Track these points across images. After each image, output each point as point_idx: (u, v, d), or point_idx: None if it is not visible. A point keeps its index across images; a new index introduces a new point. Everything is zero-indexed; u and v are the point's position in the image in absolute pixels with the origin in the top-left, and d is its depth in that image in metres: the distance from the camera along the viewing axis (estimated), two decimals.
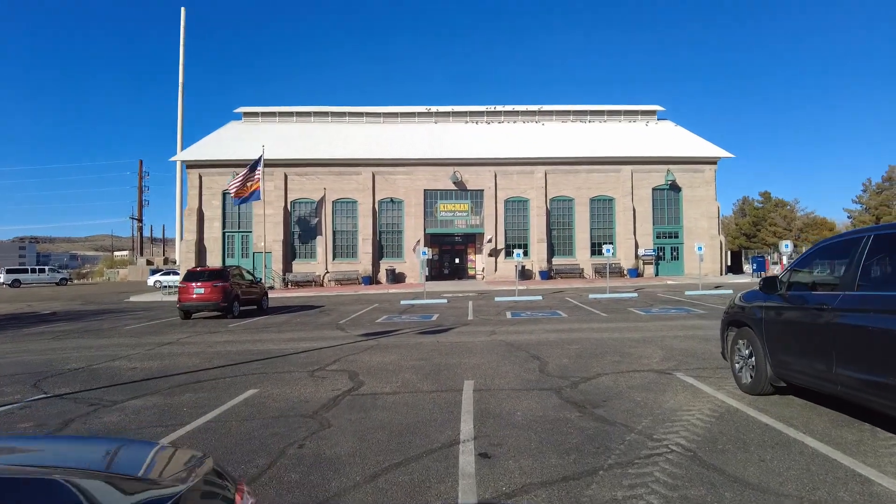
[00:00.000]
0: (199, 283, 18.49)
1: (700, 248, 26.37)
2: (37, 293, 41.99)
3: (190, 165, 37.56)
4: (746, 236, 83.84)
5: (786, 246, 24.36)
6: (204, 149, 39.83)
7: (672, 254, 38.93)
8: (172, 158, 38.50)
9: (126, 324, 17.83)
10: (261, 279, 22.72)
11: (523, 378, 7.98)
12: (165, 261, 71.65)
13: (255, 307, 21.21)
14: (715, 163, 39.00)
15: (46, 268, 62.87)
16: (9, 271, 58.15)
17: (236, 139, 40.57)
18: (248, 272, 21.93)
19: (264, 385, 8.03)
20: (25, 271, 59.16)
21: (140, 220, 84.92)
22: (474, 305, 20.59)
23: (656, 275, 37.91)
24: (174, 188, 51.47)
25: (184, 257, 37.36)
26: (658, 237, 38.65)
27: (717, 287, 27.16)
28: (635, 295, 23.26)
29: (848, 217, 76.69)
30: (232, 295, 18.80)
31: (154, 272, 51.04)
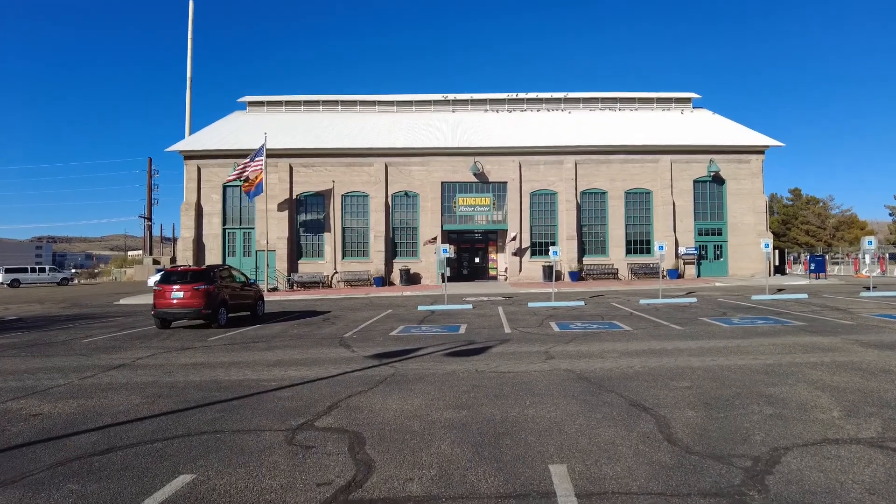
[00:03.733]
0: (177, 286, 15.31)
1: (692, 250, 22.77)
2: (31, 294, 39.34)
3: (188, 156, 34.56)
4: (776, 235, 79.70)
5: (869, 243, 20.79)
6: (204, 139, 36.86)
7: (715, 252, 35.26)
8: (169, 149, 35.51)
9: (89, 335, 14.74)
10: (255, 280, 19.57)
11: (649, 459, 4.65)
12: (172, 260, 69.11)
13: (249, 313, 18.05)
14: (762, 152, 35.28)
15: (47, 267, 60.37)
16: (7, 270, 55.70)
17: (239, 129, 37.59)
18: (240, 272, 18.75)
19: (208, 465, 4.79)
20: (25, 270, 56.62)
21: (149, 219, 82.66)
22: (507, 313, 17.24)
23: (698, 276, 34.30)
24: (183, 185, 49.03)
25: (181, 256, 34.41)
26: (700, 234, 35.02)
27: (779, 290, 23.58)
28: (694, 300, 19.78)
29: (890, 215, 72.26)
30: (217, 300, 15.61)
31: (159, 272, 48.34)
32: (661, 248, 20.96)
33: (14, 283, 53.25)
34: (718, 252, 35.29)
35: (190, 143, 36.44)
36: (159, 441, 5.49)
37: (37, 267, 58.59)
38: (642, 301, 19.85)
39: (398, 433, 5.49)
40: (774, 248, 53.93)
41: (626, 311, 17.17)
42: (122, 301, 28.14)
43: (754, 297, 19.89)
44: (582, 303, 19.58)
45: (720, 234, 35.21)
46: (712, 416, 5.75)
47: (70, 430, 5.94)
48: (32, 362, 10.56)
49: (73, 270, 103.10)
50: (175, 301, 15.26)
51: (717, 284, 28.84)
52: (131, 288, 43.60)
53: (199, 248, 34.07)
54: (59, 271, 59.99)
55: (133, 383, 8.37)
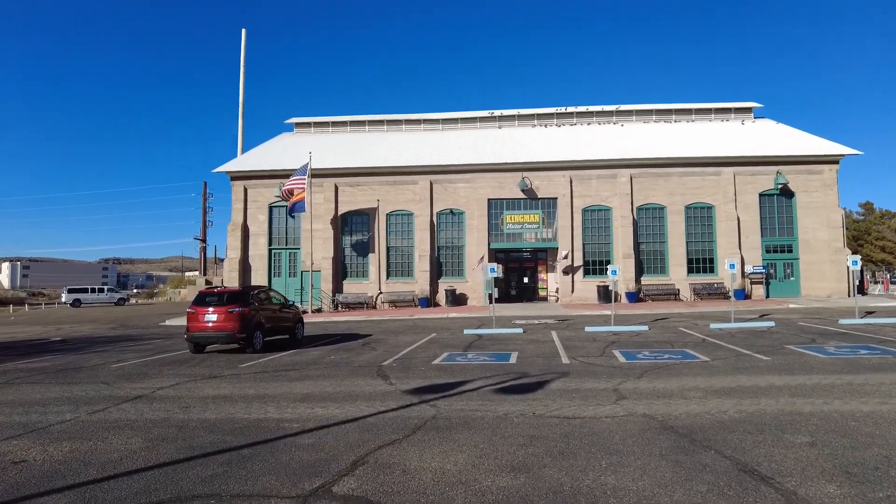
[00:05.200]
0: (211, 309, 14.57)
1: (760, 269, 20.37)
2: (87, 314, 40.26)
3: (235, 177, 34.68)
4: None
5: None
6: (250, 160, 37.05)
7: (785, 271, 32.52)
8: (216, 170, 35.80)
9: (121, 359, 14.13)
10: (293, 302, 18.74)
11: None
12: (221, 282, 70.52)
13: (287, 336, 17.17)
14: (836, 162, 32.48)
15: (106, 288, 62.43)
16: (70, 290, 57.93)
17: (285, 150, 37.61)
18: (279, 294, 17.96)
19: None
20: (86, 291, 58.66)
21: (203, 241, 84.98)
22: (562, 339, 15.71)
23: (767, 296, 31.61)
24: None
25: (227, 277, 34.34)
26: (767, 251, 32.40)
27: (868, 313, 21.05)
28: (771, 324, 17.70)
29: None
30: (253, 323, 14.77)
31: None
32: (731, 266, 18.97)
33: (76, 303, 55.19)
34: (789, 270, 32.54)
35: (237, 164, 36.65)
36: None
37: (96, 288, 60.56)
38: (713, 325, 17.91)
39: None
40: None
41: (696, 336, 15.36)
42: (167, 322, 28.03)
43: (843, 322, 17.62)
44: (645, 327, 17.80)
45: (790, 251, 32.48)
46: (867, 497, 4.21)
47: (44, 487, 4.94)
48: (51, 391, 9.84)
49: (135, 290, 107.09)
50: (209, 324, 14.52)
51: (791, 306, 26.30)
52: (182, 308, 44.09)
53: (244, 268, 33.93)
54: (116, 292, 61.83)
55: (142, 421, 7.41)
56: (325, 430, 6.66)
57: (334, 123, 42.25)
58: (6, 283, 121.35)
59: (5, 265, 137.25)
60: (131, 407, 8.34)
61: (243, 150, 47.60)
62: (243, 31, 50.59)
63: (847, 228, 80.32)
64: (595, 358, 11.88)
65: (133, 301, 68.05)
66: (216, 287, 17.09)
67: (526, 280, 34.30)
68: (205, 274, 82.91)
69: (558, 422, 6.66)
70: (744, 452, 5.31)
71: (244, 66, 51.08)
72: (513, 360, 11.92)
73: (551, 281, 33.44)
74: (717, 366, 10.54)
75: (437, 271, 32.75)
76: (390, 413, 7.38)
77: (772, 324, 17.75)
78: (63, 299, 57.07)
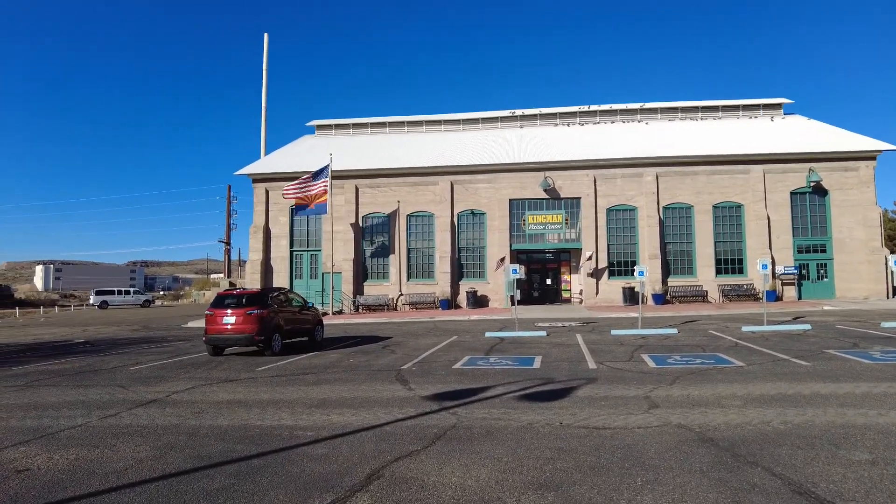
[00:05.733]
0: (229, 311, 14.42)
1: (792, 269, 19.43)
2: (113, 315, 40.82)
3: (256, 180, 34.79)
4: None
5: None
6: (271, 162, 37.15)
7: (818, 272, 31.38)
8: (238, 172, 35.99)
9: (140, 361, 14.04)
10: (312, 304, 18.53)
11: None
12: (246, 282, 71.12)
13: (307, 338, 16.96)
14: (874, 158, 31.27)
15: (132, 290, 63.42)
16: (97, 293, 59.01)
17: (306, 152, 37.63)
18: (298, 296, 17.76)
19: None
20: (113, 293, 59.70)
21: (228, 243, 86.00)
22: (587, 342, 15.20)
23: (799, 298, 30.55)
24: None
25: (249, 279, 34.44)
26: (799, 251, 31.31)
27: None
28: (807, 327, 16.91)
29: None
30: (272, 326, 14.57)
31: None
32: (763, 266, 18.17)
33: (103, 305, 56.18)
34: (822, 271, 31.39)
35: (258, 166, 36.76)
36: None
37: (122, 290, 61.58)
38: (745, 328, 17.20)
39: None
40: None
41: (728, 340, 14.71)
42: (189, 324, 28.14)
43: (885, 325, 16.75)
44: (674, 330, 17.16)
45: (823, 250, 31.35)
46: None
47: (44, 499, 4.69)
48: (67, 394, 9.71)
49: (161, 292, 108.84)
50: (227, 327, 14.36)
51: (826, 308, 25.30)
52: (205, 310, 44.46)
53: (266, 270, 33.98)
54: (141, 294, 62.79)
55: (153, 427, 7.17)
56: (340, 438, 6.32)
57: (355, 125, 42.21)
58: (40, 286, 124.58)
59: (39, 268, 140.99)
60: (143, 412, 8.13)
61: (266, 153, 47.90)
62: (266, 35, 50.92)
63: (884, 227, 77.80)
64: (623, 363, 11.37)
65: (158, 303, 69.13)
66: (235, 289, 16.95)
67: (548, 281, 33.72)
68: (229, 276, 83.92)
69: (587, 433, 6.22)
70: (796, 470, 4.82)
71: (267, 70, 51.41)
72: (537, 364, 11.48)
73: (575, 282, 32.81)
74: (753, 371, 9.97)
75: (457, 273, 32.38)
76: (408, 421, 7.02)
77: (808, 327, 16.97)
78: (91, 301, 58.19)
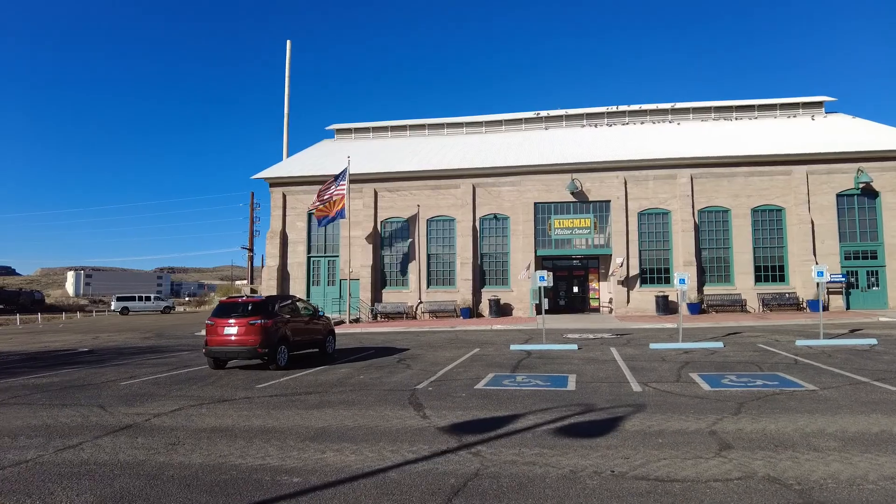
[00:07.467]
0: (232, 321, 13.25)
1: (839, 277, 17.48)
2: (131, 322, 40.35)
3: (273, 183, 33.91)
4: None
5: None
6: (290, 167, 36.27)
7: (869, 280, 29.19)
8: (255, 176, 35.16)
9: (135, 375, 12.94)
10: (323, 313, 17.31)
11: None
12: (262, 289, 70.75)
13: (317, 350, 15.74)
14: None
15: (153, 296, 63.27)
16: (119, 299, 58.99)
17: (325, 156, 36.70)
18: (308, 304, 16.55)
19: None
20: (133, 299, 59.61)
21: (251, 250, 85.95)
22: (625, 357, 13.64)
23: (847, 308, 28.39)
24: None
25: (266, 285, 33.50)
26: (847, 258, 29.17)
27: None
28: (874, 342, 15.11)
29: None
30: (276, 337, 13.35)
31: None
32: (819, 273, 16.33)
33: (124, 311, 56.08)
34: (873, 279, 29.19)
35: (276, 170, 35.90)
36: None
37: (144, 296, 61.46)
38: (798, 342, 15.45)
39: None
40: None
41: (785, 356, 13.03)
42: (202, 332, 27.20)
43: None
44: (720, 344, 15.48)
45: (874, 257, 29.15)
46: None
47: None
48: (36, 416, 8.57)
49: (187, 298, 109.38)
50: (229, 338, 13.19)
51: (883, 319, 23.24)
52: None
53: (283, 276, 32.99)
54: (162, 300, 62.69)
55: (111, 465, 5.93)
56: (332, 490, 4.99)
57: (375, 129, 41.24)
58: (71, 291, 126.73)
59: (70, 274, 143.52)
60: (110, 442, 6.90)
61: (288, 156, 47.21)
62: (288, 42, 50.35)
63: None
64: (671, 384, 9.84)
65: (181, 309, 69.00)
66: (239, 296, 15.82)
67: (576, 289, 32.07)
68: (252, 282, 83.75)
69: (649, 487, 4.78)
70: None
71: (289, 76, 50.82)
72: (571, 385, 10.01)
73: (604, 290, 31.12)
74: (832, 398, 8.38)
75: (479, 280, 30.95)
76: (420, 464, 5.66)
77: (874, 342, 15.16)
78: (112, 307, 58.20)
